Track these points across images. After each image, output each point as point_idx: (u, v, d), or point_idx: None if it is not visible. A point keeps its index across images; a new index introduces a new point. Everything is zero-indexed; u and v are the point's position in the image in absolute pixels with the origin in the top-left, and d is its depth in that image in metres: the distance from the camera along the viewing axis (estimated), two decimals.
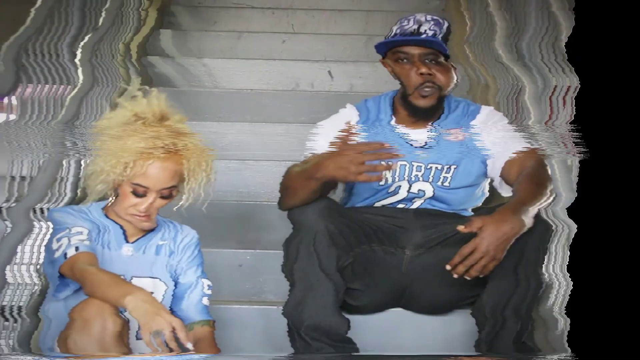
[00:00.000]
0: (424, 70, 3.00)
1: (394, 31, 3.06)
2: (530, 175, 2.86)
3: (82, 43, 3.46)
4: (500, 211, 2.75)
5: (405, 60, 3.03)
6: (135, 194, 2.66)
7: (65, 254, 2.59)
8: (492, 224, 2.69)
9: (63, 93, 3.27)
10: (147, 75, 4.70)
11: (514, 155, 2.99)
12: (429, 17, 3.04)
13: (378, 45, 3.10)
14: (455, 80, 3.07)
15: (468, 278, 2.72)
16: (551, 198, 2.84)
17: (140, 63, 4.71)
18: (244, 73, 4.74)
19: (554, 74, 3.25)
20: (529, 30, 3.57)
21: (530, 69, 3.51)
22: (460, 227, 2.74)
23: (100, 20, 3.62)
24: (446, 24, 3.06)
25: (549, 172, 2.90)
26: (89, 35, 3.51)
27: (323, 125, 3.15)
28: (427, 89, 3.01)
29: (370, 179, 2.74)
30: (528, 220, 2.74)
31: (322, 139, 3.07)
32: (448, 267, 2.71)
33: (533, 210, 2.75)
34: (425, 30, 3.00)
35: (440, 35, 3.02)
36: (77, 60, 3.38)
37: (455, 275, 2.72)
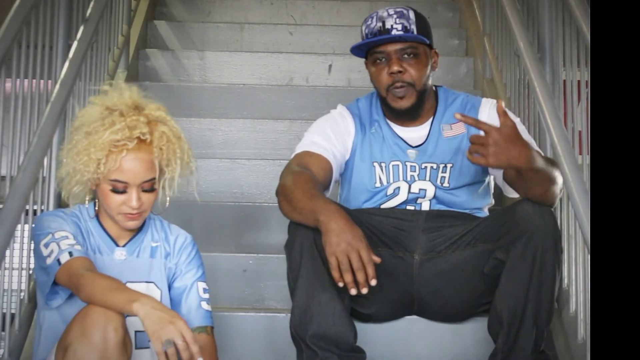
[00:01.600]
0: (394, 68, 2.90)
1: (364, 32, 2.97)
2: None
3: (77, 35, 3.33)
4: None
5: (383, 60, 2.93)
6: (115, 190, 2.53)
7: (58, 261, 2.46)
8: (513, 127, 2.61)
9: (47, 88, 3.14)
10: (135, 70, 4.60)
11: None
12: (391, 11, 2.94)
13: (353, 51, 3.00)
14: (428, 72, 2.96)
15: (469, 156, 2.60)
16: (559, 189, 2.77)
17: (135, 56, 4.61)
18: (243, 67, 4.66)
19: (568, 68, 3.14)
20: (543, 22, 3.46)
21: (544, 62, 3.40)
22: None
23: (89, 10, 3.48)
24: (412, 13, 2.95)
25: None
26: (82, 27, 3.37)
27: (312, 126, 3.05)
28: (397, 90, 2.92)
29: (339, 278, 2.61)
30: (537, 160, 2.64)
31: (308, 139, 2.98)
32: (458, 116, 2.63)
33: (541, 164, 2.67)
34: (392, 26, 2.91)
35: (413, 26, 2.91)
36: (67, 53, 3.26)
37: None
